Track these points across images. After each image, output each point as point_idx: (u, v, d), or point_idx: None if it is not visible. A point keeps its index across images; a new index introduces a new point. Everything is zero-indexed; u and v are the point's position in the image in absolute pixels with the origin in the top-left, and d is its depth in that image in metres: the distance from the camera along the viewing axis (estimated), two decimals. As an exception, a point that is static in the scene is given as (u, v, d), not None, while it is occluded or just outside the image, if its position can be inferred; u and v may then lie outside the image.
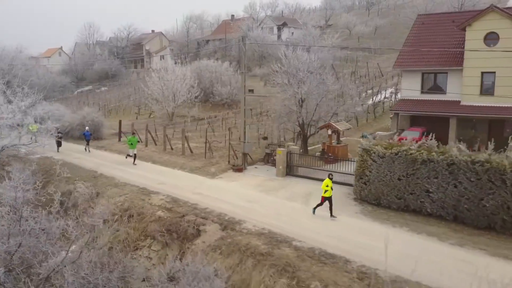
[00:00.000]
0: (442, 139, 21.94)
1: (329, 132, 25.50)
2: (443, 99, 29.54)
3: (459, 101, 28.53)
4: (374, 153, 17.70)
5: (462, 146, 16.08)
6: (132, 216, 18.25)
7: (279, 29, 74.79)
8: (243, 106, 24.26)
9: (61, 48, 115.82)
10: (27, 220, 12.38)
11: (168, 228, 16.77)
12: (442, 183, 16.07)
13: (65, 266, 11.11)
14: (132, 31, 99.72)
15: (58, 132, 30.76)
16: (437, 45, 30.46)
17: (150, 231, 17.04)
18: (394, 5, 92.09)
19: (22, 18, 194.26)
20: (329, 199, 16.57)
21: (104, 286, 11.01)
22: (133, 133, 29.18)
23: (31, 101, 24.85)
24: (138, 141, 29.38)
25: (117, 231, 17.24)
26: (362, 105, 36.64)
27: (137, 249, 16.82)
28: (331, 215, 16.60)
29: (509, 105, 26.76)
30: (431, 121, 29.37)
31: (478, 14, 27.80)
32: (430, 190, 16.41)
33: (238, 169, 23.71)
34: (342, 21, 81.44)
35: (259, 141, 30.50)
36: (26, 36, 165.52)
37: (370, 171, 17.95)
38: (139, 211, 18.46)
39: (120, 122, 34.52)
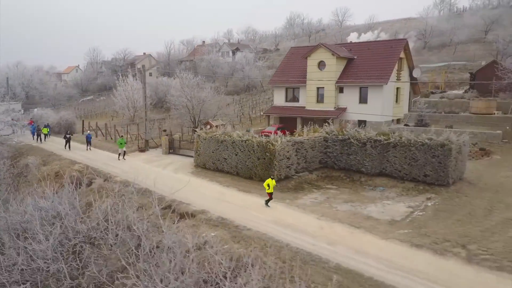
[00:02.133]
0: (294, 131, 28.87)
1: (208, 127, 32.30)
2: (297, 105, 36.34)
3: (305, 107, 35.48)
4: (201, 137, 24.51)
5: (240, 133, 22.89)
6: (58, 175, 25.04)
7: (233, 53, 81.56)
8: (144, 109, 30.97)
9: (78, 66, 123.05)
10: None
11: (73, 181, 23.51)
12: (230, 153, 22.58)
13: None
14: (128, 54, 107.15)
15: (67, 133, 32.15)
16: (296, 69, 37.39)
17: (63, 182, 23.80)
18: (330, 34, 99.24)
19: (54, 38, 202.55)
20: (271, 194, 17.18)
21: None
22: (122, 136, 29.78)
23: (7, 106, 31.34)
24: (126, 142, 28.89)
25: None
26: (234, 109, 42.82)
27: (56, 192, 23.57)
28: (266, 204, 17.13)
29: (332, 109, 33.79)
30: (289, 120, 36.21)
31: (313, 49, 34.67)
32: (226, 158, 23.04)
33: (142, 150, 30.21)
34: (285, 46, 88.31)
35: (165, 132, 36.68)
36: (55, 55, 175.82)
37: (200, 148, 24.59)
38: (63, 172, 25.23)
39: (83, 121, 40.92)
